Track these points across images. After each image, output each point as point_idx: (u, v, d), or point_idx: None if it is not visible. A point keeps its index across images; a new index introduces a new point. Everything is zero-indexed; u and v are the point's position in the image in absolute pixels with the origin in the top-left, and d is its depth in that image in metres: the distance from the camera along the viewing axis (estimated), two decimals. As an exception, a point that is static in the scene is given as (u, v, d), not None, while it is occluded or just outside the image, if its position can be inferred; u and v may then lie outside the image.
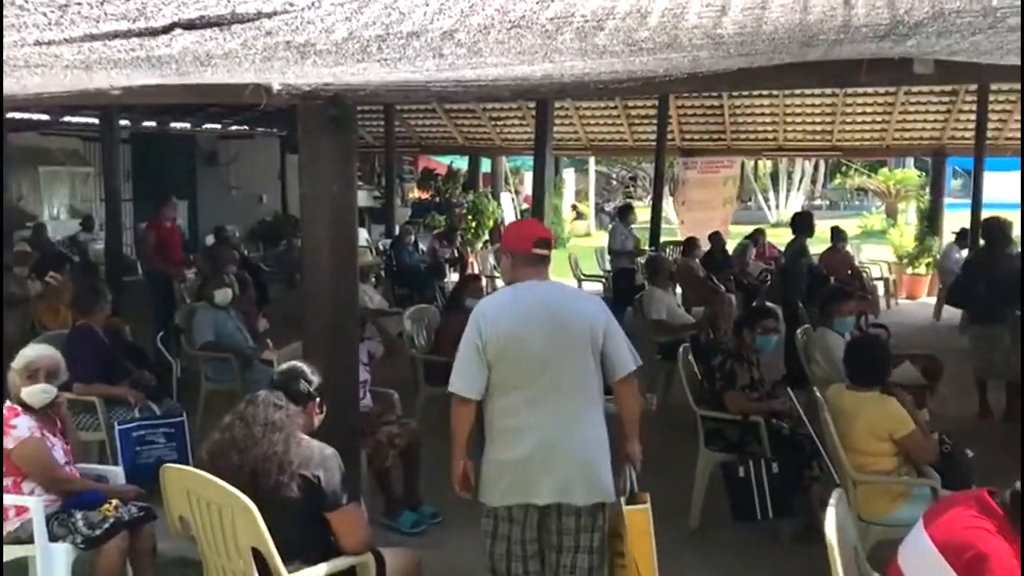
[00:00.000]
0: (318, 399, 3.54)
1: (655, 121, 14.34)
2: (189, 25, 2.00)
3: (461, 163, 20.11)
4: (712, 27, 2.82)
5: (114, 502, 3.98)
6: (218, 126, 16.50)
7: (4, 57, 2.44)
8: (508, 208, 18.60)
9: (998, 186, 22.45)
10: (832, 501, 3.05)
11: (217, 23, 2.01)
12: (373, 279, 9.36)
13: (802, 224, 9.19)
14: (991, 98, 13.08)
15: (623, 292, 10.94)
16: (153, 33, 2.02)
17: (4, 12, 1.83)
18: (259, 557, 3.16)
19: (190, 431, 5.66)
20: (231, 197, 17.38)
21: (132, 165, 15.32)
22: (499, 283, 13.29)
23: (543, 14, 2.44)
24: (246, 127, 17.03)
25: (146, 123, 14.58)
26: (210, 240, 12.74)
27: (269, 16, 2.00)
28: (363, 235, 15.78)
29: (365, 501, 4.58)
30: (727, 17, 2.82)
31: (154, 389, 6.04)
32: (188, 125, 15.78)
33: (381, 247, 14.79)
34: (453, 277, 12.54)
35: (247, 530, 3.12)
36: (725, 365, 5.45)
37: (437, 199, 17.92)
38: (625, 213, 12.66)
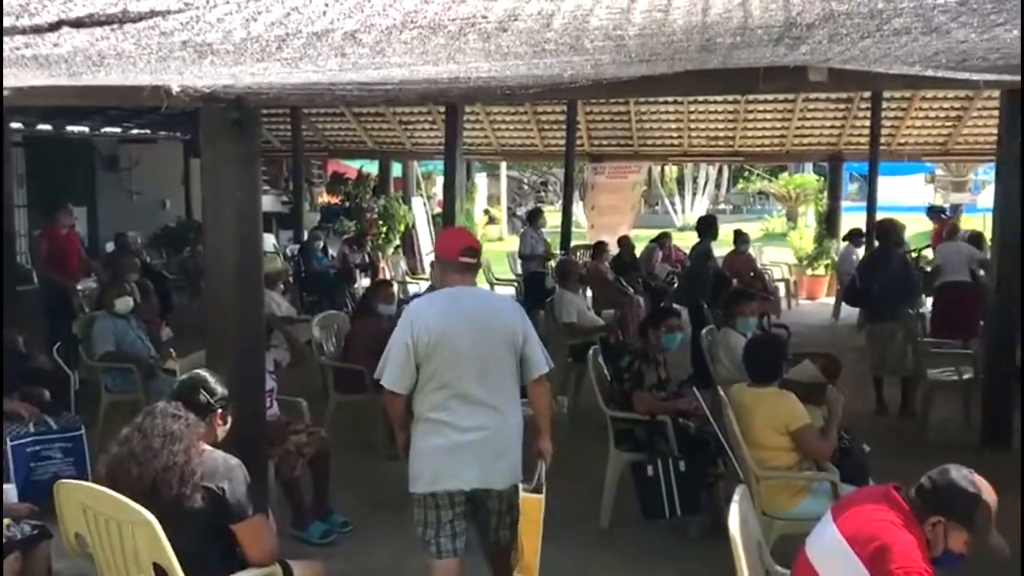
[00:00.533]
0: (220, 409, 3.46)
1: (564, 126, 14.49)
2: (77, 23, 1.92)
3: (371, 167, 19.93)
4: (614, 28, 2.86)
5: (6, 521, 3.81)
6: (118, 130, 15.98)
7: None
8: (420, 213, 18.49)
9: (892, 190, 23.44)
10: (736, 497, 3.12)
11: (108, 21, 1.94)
12: (281, 285, 9.19)
13: (706, 228, 9.40)
14: (884, 105, 13.63)
15: (534, 296, 11.01)
16: (38, 31, 1.94)
17: None
18: (161, 573, 3.06)
19: (90, 445, 5.46)
20: (132, 203, 16.84)
21: (26, 170, 14.69)
22: (411, 288, 13.24)
23: (447, 15, 2.44)
24: (148, 131, 16.55)
25: (41, 126, 14.02)
26: (110, 247, 12.32)
27: (163, 15, 1.95)
28: (270, 241, 15.51)
29: (273, 512, 4.49)
30: (631, 19, 2.87)
31: (51, 402, 5.81)
32: (87, 129, 15.24)
33: (289, 253, 14.54)
34: (364, 283, 12.41)
35: (148, 545, 3.02)
36: (633, 366, 5.53)
37: (347, 204, 17.70)
38: (535, 217, 12.76)
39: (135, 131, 16.34)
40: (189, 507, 3.12)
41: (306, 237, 13.96)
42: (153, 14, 1.93)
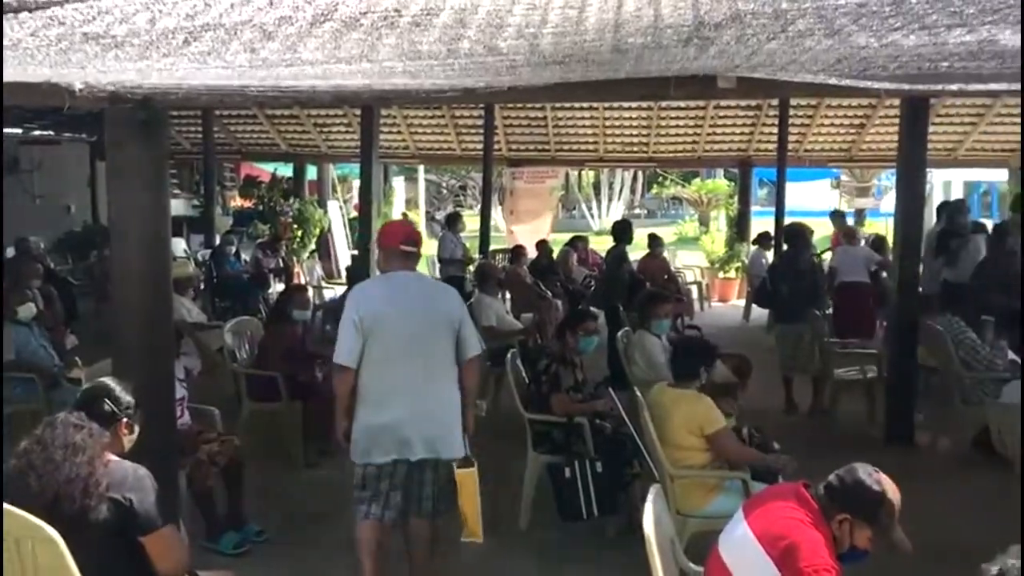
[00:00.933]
0: (126, 419, 3.34)
1: (482, 130, 14.50)
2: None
3: (286, 170, 19.59)
4: (528, 27, 2.86)
5: None
6: (19, 130, 15.35)
7: None
8: (336, 217, 18.25)
9: (800, 195, 24.12)
10: (650, 497, 3.16)
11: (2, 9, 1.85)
12: (191, 291, 8.96)
13: (622, 232, 9.53)
14: (791, 112, 14.02)
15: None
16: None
17: None
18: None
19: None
20: (35, 207, 16.20)
21: (-85, 174, 14.02)
22: (327, 293, 13.06)
23: (361, 10, 2.41)
24: (51, 132, 15.94)
25: (-68, 126, 13.39)
26: (11, 252, 11.83)
27: (60, 4, 1.86)
28: (180, 245, 15.10)
29: (184, 523, 4.38)
30: (547, 17, 2.89)
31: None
32: (-17, 129, 14.61)
33: (200, 257, 14.19)
34: (278, 288, 12.18)
35: (50, 562, 2.90)
36: (550, 368, 5.57)
37: (260, 207, 17.35)
38: (454, 221, 12.74)
39: (37, 132, 15.73)
40: (94, 519, 3.00)
41: (218, 241, 13.64)
42: (51, 3, 1.85)
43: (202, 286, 11.66)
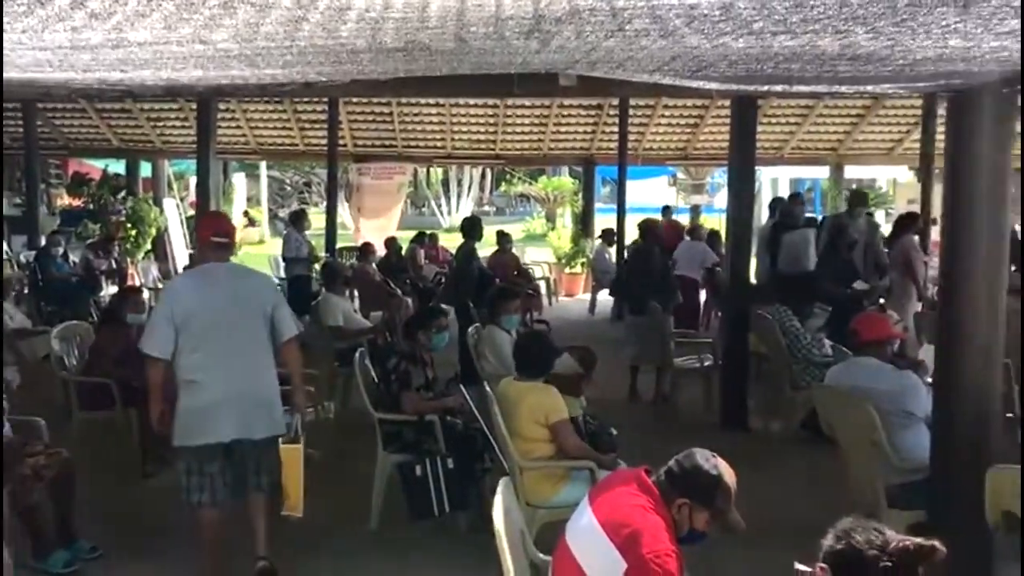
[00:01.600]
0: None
1: (326, 126, 14.24)
2: None
3: (118, 167, 18.59)
4: (368, 10, 2.82)
5: None
6: None
7: None
8: (173, 215, 17.47)
9: (640, 192, 24.92)
10: (499, 489, 3.19)
11: None
12: (13, 295, 8.37)
13: (471, 228, 9.56)
14: (631, 112, 14.47)
15: (299, 300, 10.70)
16: None
17: None
18: None
19: None
20: None
21: None
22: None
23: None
24: None
25: None
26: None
27: None
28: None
29: (8, 543, 4.10)
30: (390, 2, 2.85)
31: None
32: None
33: (24, 259, 13.28)
34: (111, 290, 11.57)
35: None
36: (399, 367, 5.53)
37: (90, 206, 16.39)
38: (298, 219, 12.43)
39: None
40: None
41: (44, 242, 12.81)
42: None
43: (26, 290, 10.93)
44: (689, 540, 2.90)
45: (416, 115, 15.47)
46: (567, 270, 16.21)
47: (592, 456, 4.65)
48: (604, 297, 13.76)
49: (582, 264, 15.86)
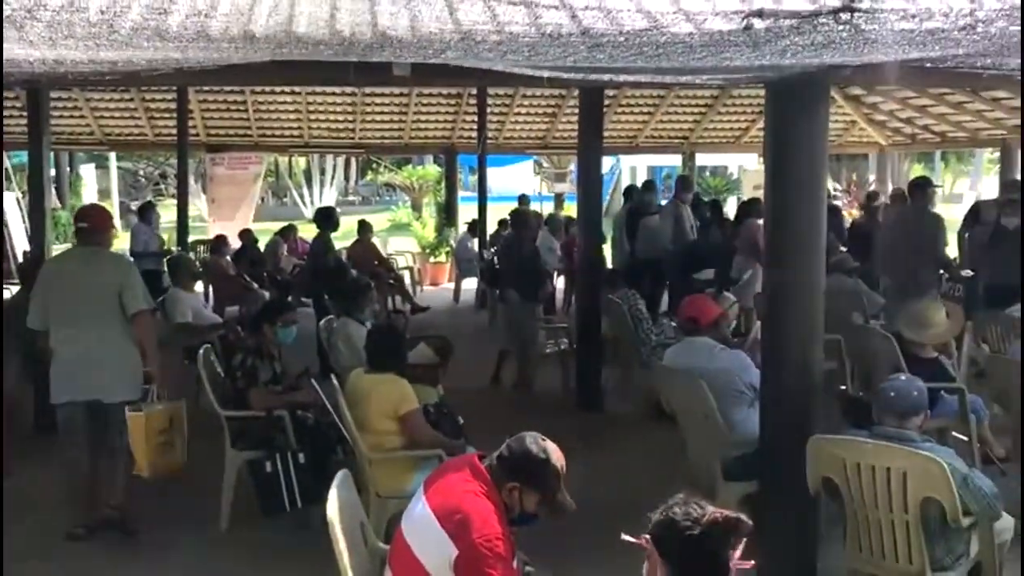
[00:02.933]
0: None
1: (176, 115, 13.73)
2: None
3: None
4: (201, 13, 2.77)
5: None
6: None
7: None
8: (12, 210, 16.49)
9: (504, 180, 25.15)
10: (335, 483, 3.19)
11: None
12: None
13: (325, 219, 9.46)
14: (490, 101, 14.56)
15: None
16: None
17: None
18: None
19: None
20: None
21: None
22: (5, 294, 11.74)
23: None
24: None
25: None
26: None
27: None
28: None
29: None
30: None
31: None
32: None
33: None
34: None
35: None
36: (246, 362, 5.43)
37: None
38: (146, 212, 11.99)
39: None
40: None
41: None
42: None
43: None
44: (521, 522, 2.97)
45: (271, 103, 15.07)
46: (431, 259, 16.20)
47: (443, 443, 4.68)
48: (468, 286, 13.84)
49: (446, 253, 15.89)
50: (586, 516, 3.29)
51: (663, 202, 11.50)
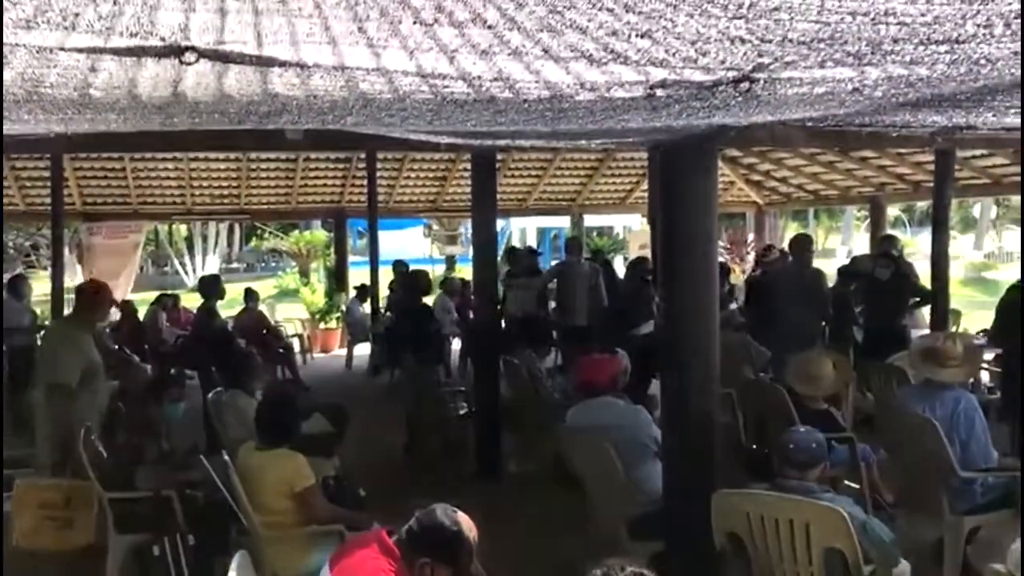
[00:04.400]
0: None
1: (49, 183, 13.16)
2: None
3: None
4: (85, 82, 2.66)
5: None
6: None
7: None
8: None
9: (395, 243, 25.05)
10: (233, 565, 3.02)
11: None
12: None
13: (210, 288, 9.18)
14: (380, 165, 14.54)
15: (18, 374, 9.74)
16: None
17: None
18: None
19: None
20: None
21: None
22: None
23: None
24: None
25: None
26: None
27: None
28: None
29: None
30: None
31: None
32: None
33: None
34: None
35: None
36: (131, 441, 5.15)
37: None
38: (17, 285, 11.35)
39: None
40: None
41: None
42: None
43: None
44: None
45: (152, 170, 14.64)
46: (322, 325, 15.89)
47: (344, 517, 4.51)
48: (360, 351, 13.61)
49: (337, 319, 15.61)
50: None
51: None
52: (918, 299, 9.31)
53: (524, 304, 10.65)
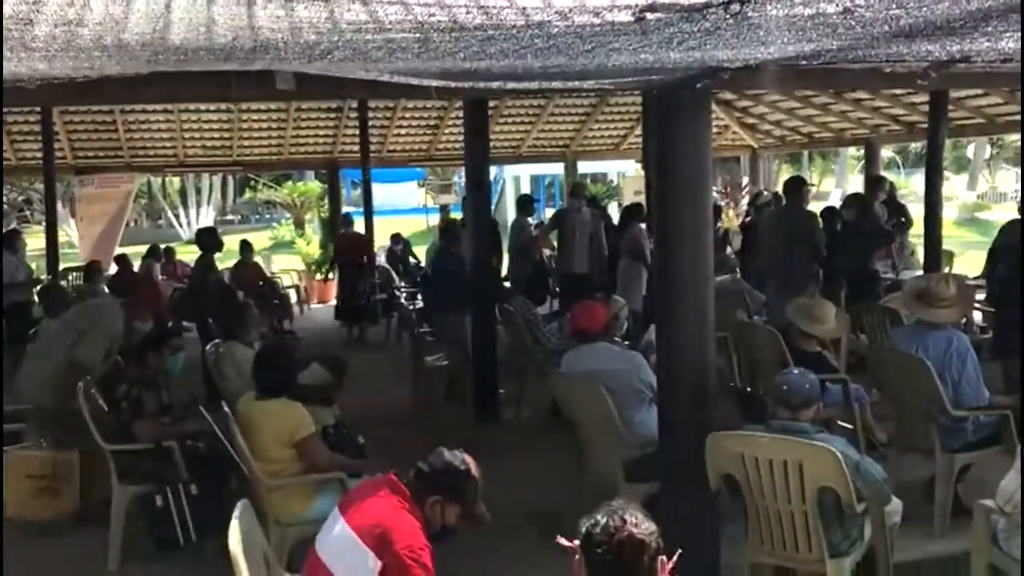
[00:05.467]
0: None
1: (40, 137, 13.04)
2: None
3: None
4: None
5: None
6: None
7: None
8: None
9: (390, 194, 24.99)
10: (236, 513, 3.07)
11: None
12: None
13: (207, 240, 9.17)
14: (372, 114, 14.41)
15: (17, 330, 9.76)
16: None
17: None
18: None
19: None
20: None
21: None
22: None
23: None
24: None
25: None
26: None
27: None
28: None
29: None
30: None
31: None
32: None
33: None
34: None
35: None
36: (131, 393, 5.19)
37: None
38: (11, 241, 11.30)
39: None
40: None
41: None
42: None
43: None
44: (441, 537, 2.95)
45: (143, 122, 14.50)
46: (318, 277, 15.90)
47: (345, 465, 4.57)
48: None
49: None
50: (496, 528, 3.26)
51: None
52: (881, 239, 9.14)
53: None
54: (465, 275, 8.05)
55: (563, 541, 2.29)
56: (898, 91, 11.20)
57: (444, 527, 2.99)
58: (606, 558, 2.18)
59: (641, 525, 2.22)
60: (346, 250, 12.38)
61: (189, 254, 15.21)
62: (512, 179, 26.95)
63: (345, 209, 17.60)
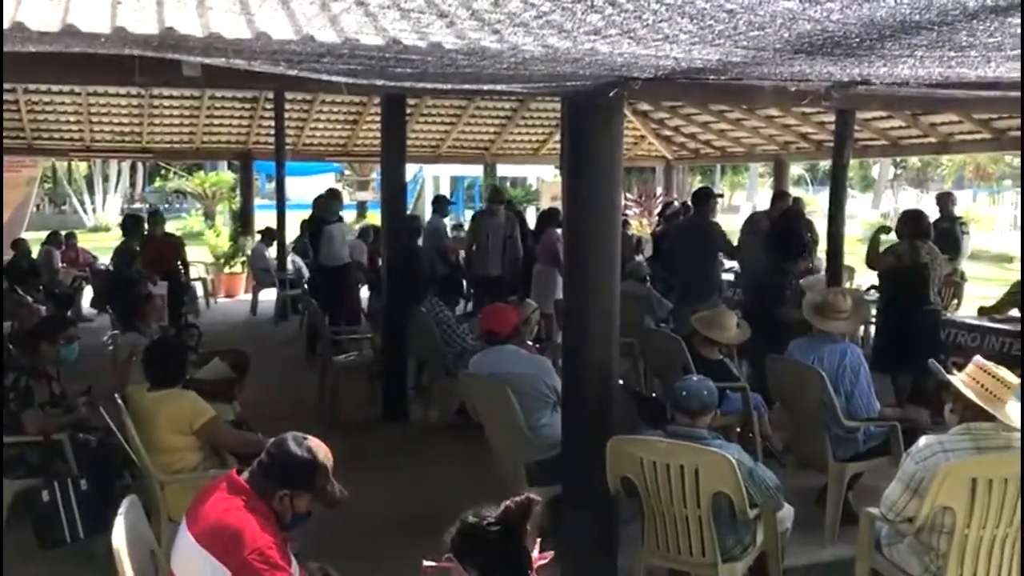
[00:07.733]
0: None
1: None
2: None
3: None
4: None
5: None
6: None
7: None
8: None
9: (304, 188, 24.57)
10: (122, 509, 2.97)
11: None
12: None
13: (132, 226, 8.94)
14: (288, 106, 14.15)
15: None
16: None
17: None
18: None
19: None
20: None
21: None
22: None
23: None
24: None
25: None
26: None
27: None
28: None
29: None
30: None
31: None
32: None
33: None
34: None
35: None
36: (19, 383, 4.99)
37: None
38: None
39: None
40: None
41: None
42: None
43: None
44: (294, 525, 2.86)
45: (48, 103, 13.94)
46: (227, 270, 15.55)
47: (254, 443, 4.42)
48: (265, 297, 13.37)
49: (242, 263, 15.29)
50: (394, 531, 3.23)
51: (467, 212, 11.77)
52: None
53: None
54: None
55: (430, 563, 2.21)
56: (807, 110, 11.54)
57: (296, 515, 2.85)
58: (499, 538, 2.14)
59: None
60: (156, 258, 9.77)
61: (91, 241, 14.73)
62: (432, 179, 26.85)
63: (258, 202, 17.26)
